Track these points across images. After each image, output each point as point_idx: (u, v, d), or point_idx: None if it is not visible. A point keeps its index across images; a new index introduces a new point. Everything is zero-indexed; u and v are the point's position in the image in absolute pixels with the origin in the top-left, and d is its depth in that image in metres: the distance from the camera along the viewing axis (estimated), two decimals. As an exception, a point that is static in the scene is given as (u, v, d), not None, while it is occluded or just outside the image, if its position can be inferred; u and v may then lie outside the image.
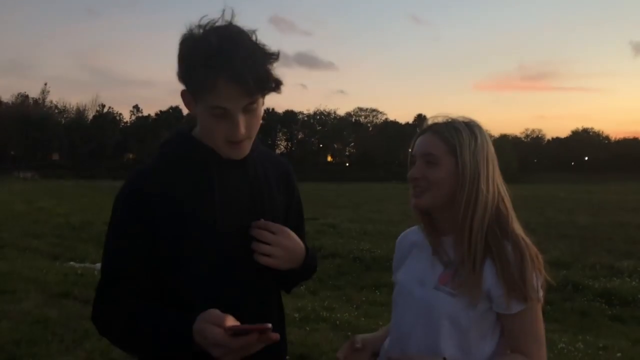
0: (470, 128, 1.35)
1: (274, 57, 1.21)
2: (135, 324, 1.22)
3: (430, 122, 1.40)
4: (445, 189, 1.33)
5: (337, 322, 5.46)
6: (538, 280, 1.30)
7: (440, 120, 1.39)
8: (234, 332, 1.08)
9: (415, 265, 1.44)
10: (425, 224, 1.43)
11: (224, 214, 1.29)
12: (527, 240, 1.34)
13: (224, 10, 1.21)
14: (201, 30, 1.19)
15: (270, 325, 1.08)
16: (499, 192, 1.35)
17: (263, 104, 1.27)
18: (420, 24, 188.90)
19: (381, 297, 7.09)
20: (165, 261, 1.26)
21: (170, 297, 1.27)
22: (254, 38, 1.21)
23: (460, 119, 1.38)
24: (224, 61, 1.15)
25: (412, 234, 1.53)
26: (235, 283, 1.29)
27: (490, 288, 1.29)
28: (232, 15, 1.22)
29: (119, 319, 1.24)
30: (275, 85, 1.22)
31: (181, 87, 1.27)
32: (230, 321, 1.11)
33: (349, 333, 5.09)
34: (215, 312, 1.13)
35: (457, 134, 1.33)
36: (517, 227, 1.35)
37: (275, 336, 1.09)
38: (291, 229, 1.37)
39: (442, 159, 1.33)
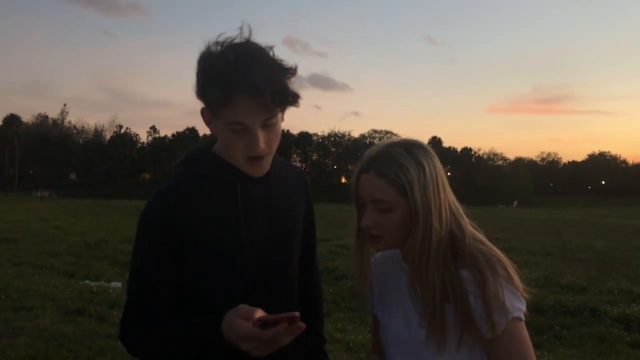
0: (415, 158, 1.25)
1: (291, 71, 1.21)
2: (164, 331, 1.22)
3: (369, 156, 1.29)
4: (401, 232, 1.27)
5: (351, 344, 5.42)
6: (510, 294, 1.20)
7: (380, 153, 1.27)
8: (262, 323, 1.07)
9: (397, 303, 1.36)
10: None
11: (249, 230, 1.30)
12: (492, 251, 1.25)
13: (241, 27, 1.22)
14: (219, 47, 1.20)
15: (298, 313, 1.06)
16: (452, 215, 1.28)
17: (282, 119, 1.28)
18: (435, 45, 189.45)
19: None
20: (191, 278, 1.28)
21: (196, 313, 1.27)
22: (271, 54, 1.21)
23: (401, 146, 1.28)
24: (240, 76, 1.15)
25: (388, 259, 1.43)
26: (260, 299, 1.26)
27: (452, 324, 1.22)
28: (250, 32, 1.22)
29: (147, 330, 1.24)
30: (293, 99, 1.22)
31: (199, 107, 1.29)
32: (260, 314, 1.10)
33: (362, 355, 5.06)
34: (244, 307, 1.12)
35: (404, 172, 1.23)
36: (475, 243, 1.26)
37: (304, 325, 1.07)
38: (304, 236, 1.42)
39: (394, 204, 1.24)
